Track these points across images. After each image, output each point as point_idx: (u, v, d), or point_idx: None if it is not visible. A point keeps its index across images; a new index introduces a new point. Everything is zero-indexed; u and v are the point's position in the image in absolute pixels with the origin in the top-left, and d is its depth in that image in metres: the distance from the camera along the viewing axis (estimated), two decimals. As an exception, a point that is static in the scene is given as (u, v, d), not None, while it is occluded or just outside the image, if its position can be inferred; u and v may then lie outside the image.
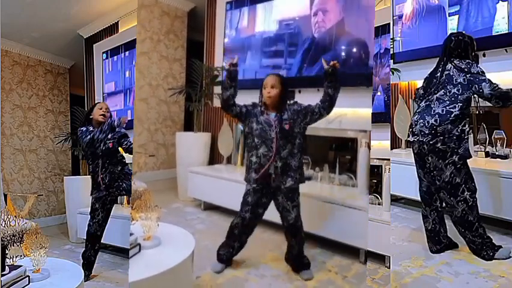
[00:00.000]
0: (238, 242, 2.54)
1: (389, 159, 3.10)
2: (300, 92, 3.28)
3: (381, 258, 2.58)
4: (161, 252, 2.20)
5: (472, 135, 3.10)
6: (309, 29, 3.44)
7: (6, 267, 2.18)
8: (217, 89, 4.03)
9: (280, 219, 2.52)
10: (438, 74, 2.60)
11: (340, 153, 3.32)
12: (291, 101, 2.56)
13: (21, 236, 2.52)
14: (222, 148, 4.07)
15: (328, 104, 2.47)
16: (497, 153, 3.20)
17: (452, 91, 2.50)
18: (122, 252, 3.48)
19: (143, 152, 4.19)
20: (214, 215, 3.52)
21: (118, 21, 4.55)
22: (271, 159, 2.42)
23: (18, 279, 2.14)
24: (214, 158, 4.15)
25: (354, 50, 3.14)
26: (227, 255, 2.56)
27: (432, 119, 2.50)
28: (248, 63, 3.85)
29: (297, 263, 2.51)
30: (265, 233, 3.08)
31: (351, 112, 3.13)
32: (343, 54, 3.19)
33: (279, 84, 2.52)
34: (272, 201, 2.53)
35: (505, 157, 3.15)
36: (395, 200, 3.73)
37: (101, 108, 3.15)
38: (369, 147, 2.99)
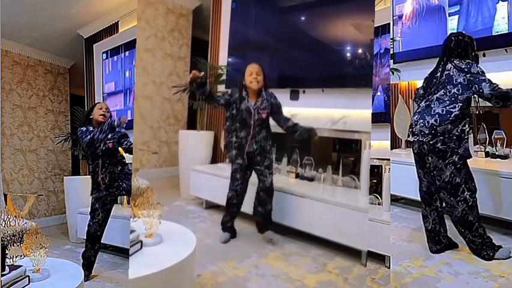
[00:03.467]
0: (236, 208, 2.94)
1: (389, 159, 3.10)
2: (304, 92, 3.28)
3: (381, 258, 2.58)
4: (163, 249, 2.21)
5: (472, 135, 3.09)
6: (313, 29, 3.43)
7: (6, 267, 2.18)
8: (221, 88, 4.04)
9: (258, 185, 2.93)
10: (438, 74, 2.60)
11: (343, 155, 3.32)
12: (269, 91, 2.92)
13: (21, 236, 2.52)
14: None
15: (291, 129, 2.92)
16: (497, 153, 3.20)
17: (452, 91, 2.50)
18: (122, 252, 3.48)
19: (146, 149, 4.19)
20: (215, 214, 3.51)
21: (118, 21, 4.55)
22: (249, 141, 2.85)
23: (18, 279, 2.14)
24: (216, 156, 4.14)
25: (360, 51, 3.13)
26: (231, 223, 2.95)
27: (432, 119, 2.50)
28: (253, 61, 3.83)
29: (266, 221, 2.92)
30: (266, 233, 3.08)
31: (355, 113, 3.12)
32: (348, 54, 3.19)
33: (261, 72, 2.87)
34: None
35: (505, 157, 3.15)
36: (395, 200, 3.73)
37: (101, 108, 3.15)
38: (369, 147, 2.99)
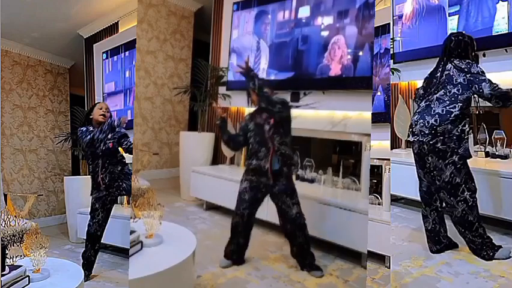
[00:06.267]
0: (242, 239, 2.65)
1: (389, 159, 3.10)
2: (305, 94, 3.27)
3: (381, 258, 2.58)
4: (163, 250, 2.21)
5: (472, 135, 3.09)
6: (316, 32, 3.44)
7: (6, 267, 2.18)
8: (222, 90, 4.05)
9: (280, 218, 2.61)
10: (438, 74, 2.60)
11: (344, 157, 3.32)
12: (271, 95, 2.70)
13: (21, 236, 2.52)
14: (225, 148, 4.07)
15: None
16: (497, 153, 3.20)
17: (452, 91, 2.50)
18: (122, 252, 3.48)
19: (147, 150, 4.20)
20: (216, 215, 3.52)
21: (118, 21, 4.55)
22: (270, 156, 2.58)
23: (18, 279, 2.14)
24: (217, 158, 4.16)
25: (360, 53, 3.13)
26: (235, 252, 2.66)
27: (432, 119, 2.50)
28: (255, 64, 3.84)
29: (307, 260, 2.59)
30: (267, 235, 3.08)
31: (356, 115, 3.13)
32: (349, 57, 3.19)
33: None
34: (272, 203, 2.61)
35: (505, 157, 3.14)
36: (395, 200, 3.73)
37: (101, 108, 3.15)
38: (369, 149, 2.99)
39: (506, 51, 3.14)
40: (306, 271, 2.56)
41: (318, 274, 2.54)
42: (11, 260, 2.32)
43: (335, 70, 3.26)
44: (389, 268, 2.50)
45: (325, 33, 3.36)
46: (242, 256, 2.69)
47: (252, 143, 2.67)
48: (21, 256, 2.40)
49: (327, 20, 3.35)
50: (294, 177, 2.67)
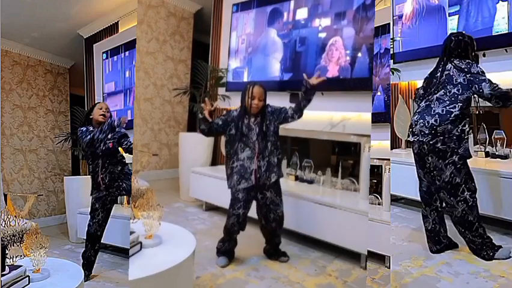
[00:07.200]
0: (237, 234, 2.72)
1: (389, 159, 3.10)
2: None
3: (381, 258, 2.58)
4: (162, 251, 2.21)
5: (472, 135, 3.09)
6: (313, 33, 3.44)
7: (6, 267, 2.18)
8: (222, 91, 4.06)
9: (266, 213, 2.69)
10: (438, 74, 2.60)
11: (343, 157, 3.32)
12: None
13: (21, 236, 2.51)
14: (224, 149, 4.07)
15: (299, 113, 2.69)
16: (497, 153, 3.20)
17: (452, 91, 2.50)
18: (122, 252, 3.48)
19: (146, 151, 4.21)
20: (215, 216, 3.52)
21: (118, 21, 4.55)
22: (255, 159, 2.63)
23: (18, 279, 2.14)
24: (216, 158, 4.16)
25: (359, 54, 3.13)
26: (228, 251, 2.72)
27: (432, 119, 2.50)
28: (253, 65, 3.84)
29: (278, 252, 2.75)
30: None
31: (354, 117, 3.13)
32: (347, 58, 3.19)
33: (263, 96, 2.71)
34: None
35: (505, 157, 3.15)
36: (395, 200, 3.73)
37: (101, 108, 3.15)
38: (368, 150, 3.00)
39: (506, 51, 3.14)
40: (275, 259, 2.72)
41: (285, 259, 2.71)
42: (11, 260, 2.32)
43: (333, 71, 3.26)
44: (389, 268, 2.50)
45: (322, 35, 3.37)
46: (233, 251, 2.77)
47: (233, 143, 2.68)
48: (21, 256, 2.39)
49: (325, 22, 3.36)
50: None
